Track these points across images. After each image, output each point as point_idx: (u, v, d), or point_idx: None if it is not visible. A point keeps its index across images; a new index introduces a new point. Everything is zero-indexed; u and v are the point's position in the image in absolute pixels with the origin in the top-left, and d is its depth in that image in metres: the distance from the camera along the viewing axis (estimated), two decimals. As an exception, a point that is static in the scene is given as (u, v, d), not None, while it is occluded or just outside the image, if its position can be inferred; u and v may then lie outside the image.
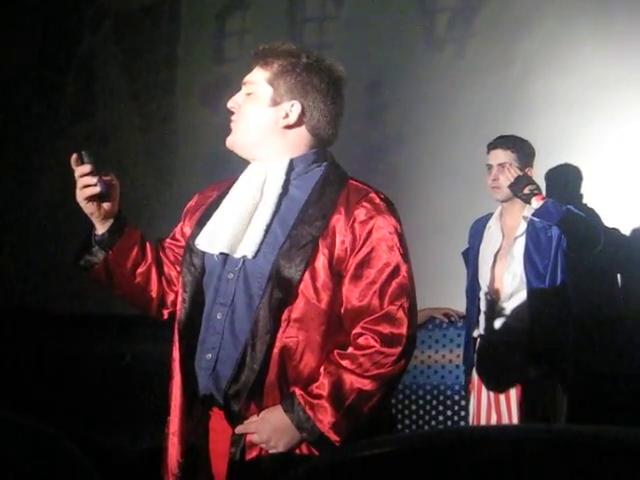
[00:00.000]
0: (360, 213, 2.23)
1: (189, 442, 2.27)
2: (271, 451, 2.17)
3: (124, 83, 6.15)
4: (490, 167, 4.05)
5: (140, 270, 2.41)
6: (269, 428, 2.16)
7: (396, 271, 2.22)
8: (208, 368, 2.25)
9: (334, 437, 2.14)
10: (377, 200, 2.26)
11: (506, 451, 1.04)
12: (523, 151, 4.03)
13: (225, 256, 2.28)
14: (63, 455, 1.30)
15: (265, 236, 2.24)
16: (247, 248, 2.23)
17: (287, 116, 2.29)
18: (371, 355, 2.18)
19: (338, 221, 2.23)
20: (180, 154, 5.92)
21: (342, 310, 2.24)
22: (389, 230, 2.24)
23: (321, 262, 2.20)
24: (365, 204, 2.24)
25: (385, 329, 2.19)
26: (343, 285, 2.23)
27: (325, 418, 2.15)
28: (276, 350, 2.18)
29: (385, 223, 2.23)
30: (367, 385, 2.17)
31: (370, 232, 2.22)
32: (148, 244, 2.45)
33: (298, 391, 2.17)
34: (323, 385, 2.17)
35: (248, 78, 2.35)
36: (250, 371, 2.18)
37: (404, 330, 2.20)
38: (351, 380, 2.17)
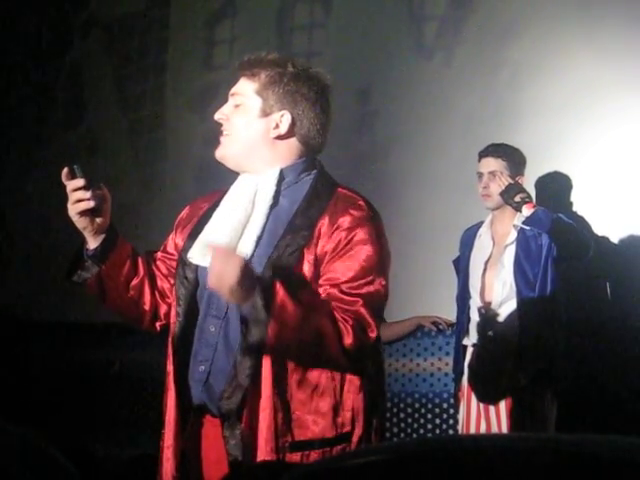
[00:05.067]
0: (345, 221, 2.21)
1: (183, 450, 2.26)
2: (216, 282, 2.05)
3: (113, 90, 6.14)
4: (481, 175, 4.06)
5: (133, 283, 2.40)
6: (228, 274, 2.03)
7: (371, 282, 2.19)
8: (201, 380, 2.25)
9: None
10: (364, 209, 2.25)
11: (495, 460, 1.04)
12: (514, 159, 4.04)
13: None
14: (47, 462, 1.29)
15: (256, 248, 2.23)
16: None
17: (277, 127, 2.29)
18: (355, 322, 2.13)
19: (322, 226, 2.21)
20: (169, 161, 5.91)
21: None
22: (372, 242, 2.21)
23: (306, 269, 2.20)
24: (351, 211, 2.23)
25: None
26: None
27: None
28: (266, 360, 2.17)
29: (368, 234, 2.21)
30: (328, 327, 2.11)
31: (350, 241, 2.19)
32: (140, 257, 2.44)
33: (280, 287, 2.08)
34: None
35: (235, 89, 2.35)
36: (240, 382, 2.17)
37: (371, 338, 2.17)
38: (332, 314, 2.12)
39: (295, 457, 2.18)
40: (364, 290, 2.17)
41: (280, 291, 2.06)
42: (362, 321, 2.14)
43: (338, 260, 2.18)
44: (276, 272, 2.15)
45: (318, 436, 2.20)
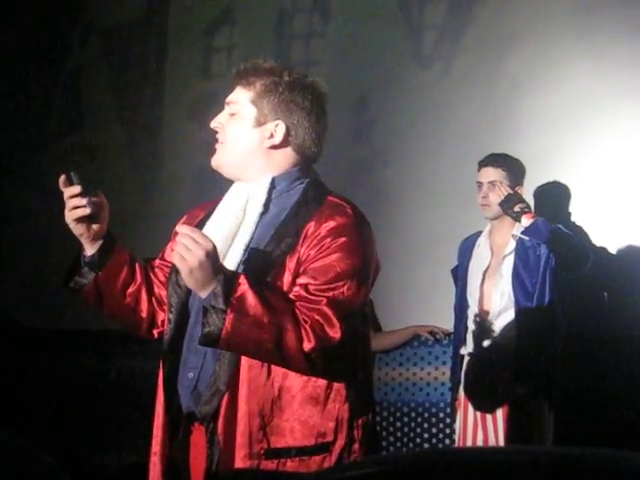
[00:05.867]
0: (328, 226, 2.18)
1: (171, 458, 2.26)
2: (178, 259, 2.08)
3: (111, 98, 6.14)
4: (480, 184, 4.06)
5: (130, 290, 2.40)
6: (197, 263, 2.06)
7: (341, 287, 2.16)
8: (189, 387, 2.25)
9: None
10: (350, 216, 2.21)
11: (493, 473, 1.03)
12: (514, 170, 4.05)
13: None
14: (41, 469, 1.29)
15: (244, 255, 2.23)
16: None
17: (272, 136, 2.28)
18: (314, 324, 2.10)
19: (307, 231, 2.19)
20: (167, 169, 5.91)
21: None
22: (352, 249, 2.18)
23: (286, 278, 2.18)
24: (337, 218, 2.20)
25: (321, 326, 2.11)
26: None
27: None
28: (243, 368, 2.16)
29: (350, 241, 2.18)
30: (288, 325, 2.08)
31: (330, 247, 2.16)
32: (137, 264, 2.43)
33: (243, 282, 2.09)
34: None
35: (231, 98, 2.35)
36: (219, 387, 2.17)
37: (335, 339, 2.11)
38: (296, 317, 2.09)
39: (271, 465, 2.16)
40: (330, 293, 2.14)
41: (242, 284, 2.07)
42: (324, 319, 2.10)
43: (316, 264, 2.16)
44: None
45: (296, 444, 2.17)
